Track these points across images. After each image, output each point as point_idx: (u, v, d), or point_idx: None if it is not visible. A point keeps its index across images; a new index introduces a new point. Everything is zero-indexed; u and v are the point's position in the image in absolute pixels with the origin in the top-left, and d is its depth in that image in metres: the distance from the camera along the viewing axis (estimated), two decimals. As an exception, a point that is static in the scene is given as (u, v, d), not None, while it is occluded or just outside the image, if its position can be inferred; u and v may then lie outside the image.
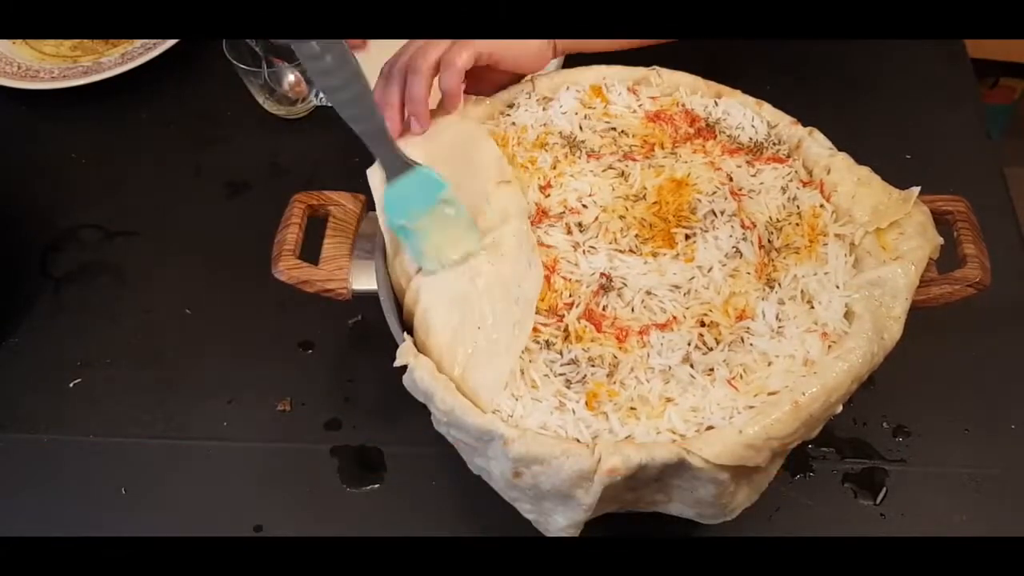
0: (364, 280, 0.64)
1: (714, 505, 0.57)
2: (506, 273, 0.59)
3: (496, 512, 0.61)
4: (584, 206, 0.64)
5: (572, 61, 0.75)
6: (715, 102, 0.71)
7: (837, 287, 0.59)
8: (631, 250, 0.62)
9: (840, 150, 0.67)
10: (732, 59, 0.79)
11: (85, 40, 1.04)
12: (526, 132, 0.68)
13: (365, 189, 0.69)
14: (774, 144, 0.69)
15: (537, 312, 0.58)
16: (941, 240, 0.62)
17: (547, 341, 0.57)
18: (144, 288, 0.84)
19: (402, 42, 0.69)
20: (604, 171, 0.66)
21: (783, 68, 0.93)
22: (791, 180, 0.66)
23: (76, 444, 0.74)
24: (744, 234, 0.62)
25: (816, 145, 0.67)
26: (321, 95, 0.93)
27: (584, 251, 0.61)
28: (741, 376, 0.55)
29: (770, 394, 0.54)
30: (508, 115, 0.70)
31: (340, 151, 0.93)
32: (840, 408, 0.55)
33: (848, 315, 0.58)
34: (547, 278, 0.60)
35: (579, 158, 0.67)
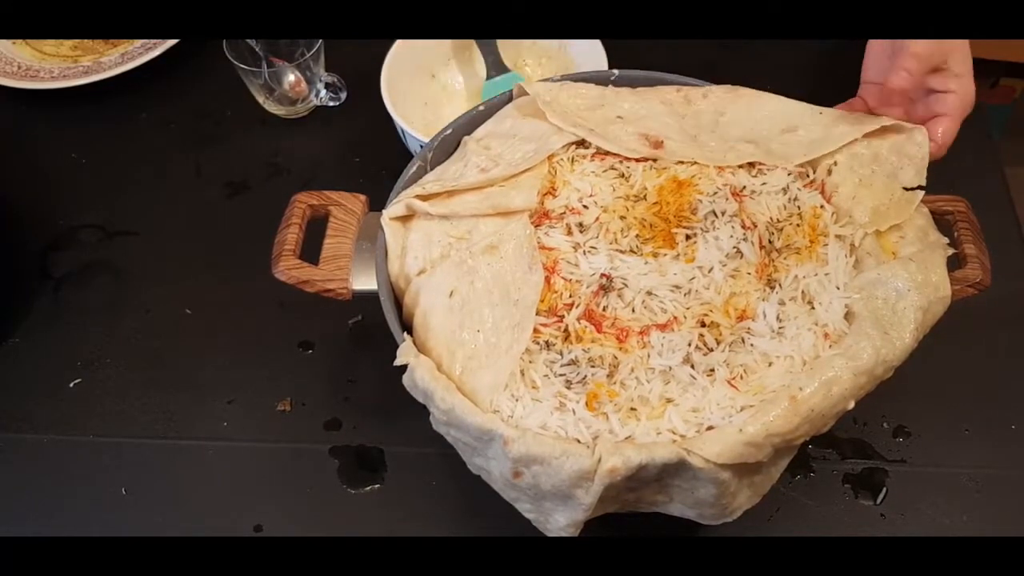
0: (364, 280, 0.64)
1: (715, 506, 0.57)
2: (506, 276, 0.59)
3: (496, 512, 0.61)
4: (585, 206, 0.64)
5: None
6: (715, 102, 0.71)
7: (837, 288, 0.59)
8: (632, 250, 0.62)
9: (840, 150, 0.67)
10: (732, 59, 0.79)
11: (85, 40, 1.04)
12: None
13: (365, 189, 0.69)
14: (774, 144, 0.69)
15: (537, 313, 0.58)
16: (946, 240, 0.62)
17: (547, 342, 0.57)
18: (144, 288, 0.84)
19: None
20: (605, 171, 0.66)
21: (784, 68, 0.93)
22: (792, 181, 0.65)
23: (76, 444, 0.74)
24: (745, 234, 0.62)
25: (817, 145, 0.67)
26: (321, 95, 0.93)
27: (584, 251, 0.61)
28: (741, 376, 0.55)
29: (769, 393, 0.54)
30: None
31: (340, 151, 0.93)
32: (852, 404, 0.55)
33: (848, 316, 0.58)
34: (547, 279, 0.59)
35: (585, 159, 0.67)
